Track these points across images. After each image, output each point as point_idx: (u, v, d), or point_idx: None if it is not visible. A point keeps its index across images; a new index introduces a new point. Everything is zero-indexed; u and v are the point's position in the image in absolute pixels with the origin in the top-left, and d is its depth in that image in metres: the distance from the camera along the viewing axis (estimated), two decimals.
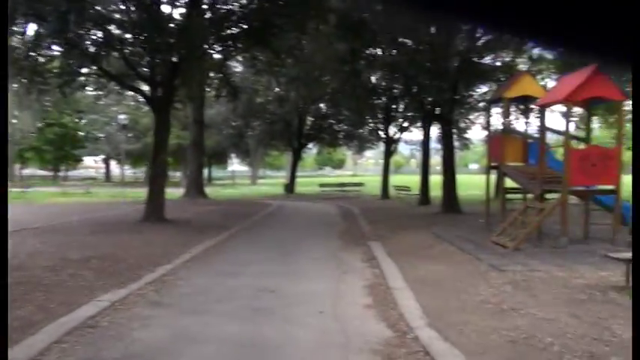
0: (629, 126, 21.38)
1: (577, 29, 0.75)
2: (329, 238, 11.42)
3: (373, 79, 19.03)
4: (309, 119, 31.49)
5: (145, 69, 13.25)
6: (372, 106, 20.13)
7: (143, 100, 16.04)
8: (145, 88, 14.11)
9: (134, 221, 13.42)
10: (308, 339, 4.53)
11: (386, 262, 8.03)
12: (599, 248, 8.54)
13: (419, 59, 12.19)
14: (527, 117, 14.16)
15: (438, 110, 15.77)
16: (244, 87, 21.98)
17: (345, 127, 28.77)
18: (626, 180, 10.12)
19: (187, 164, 28.49)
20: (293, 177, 32.56)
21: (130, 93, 18.91)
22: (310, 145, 37.25)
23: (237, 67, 23.78)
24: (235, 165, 62.80)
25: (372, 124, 25.96)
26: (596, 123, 19.89)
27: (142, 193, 16.91)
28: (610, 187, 9.00)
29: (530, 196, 10.69)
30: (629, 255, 5.83)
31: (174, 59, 11.99)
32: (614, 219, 9.06)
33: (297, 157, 32.90)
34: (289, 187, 31.85)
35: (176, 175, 50.28)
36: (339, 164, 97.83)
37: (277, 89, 28.45)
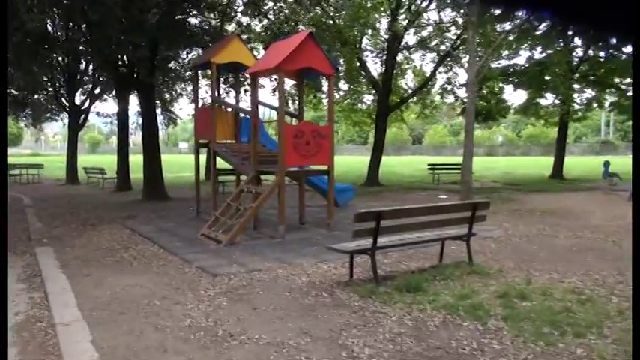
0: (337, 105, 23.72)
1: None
2: None
3: (50, 26, 15.72)
4: None
5: None
6: (45, 64, 16.69)
7: None
8: None
9: None
10: None
11: (56, 280, 6.10)
12: (316, 235, 8.62)
13: (106, 2, 10.19)
14: (238, 90, 13.74)
15: (135, 74, 13.99)
16: None
17: (14, 90, 23.51)
18: (337, 160, 10.67)
19: None
20: None
21: None
22: None
23: None
24: None
25: (50, 89, 21.93)
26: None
27: None
28: (323, 167, 9.10)
29: (244, 178, 10.22)
30: (352, 245, 5.62)
31: None
32: (329, 202, 9.26)
33: None
34: None
35: None
36: (15, 140, 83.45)
37: None
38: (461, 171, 12.50)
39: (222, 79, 17.16)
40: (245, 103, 16.53)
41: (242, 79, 13.98)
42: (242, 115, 10.97)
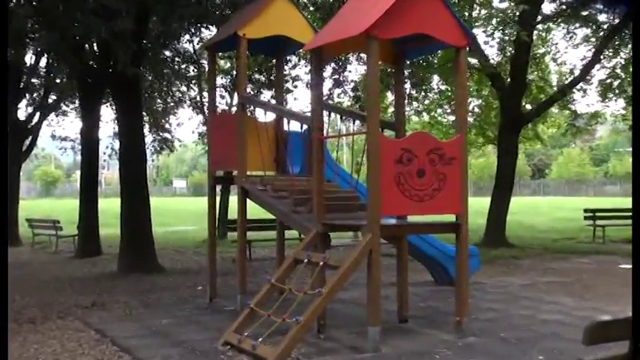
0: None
1: None
2: None
3: None
4: None
5: None
6: None
7: None
8: None
9: None
10: None
11: None
12: (439, 344, 7.45)
13: None
14: (279, 90, 12.43)
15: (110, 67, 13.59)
16: None
17: None
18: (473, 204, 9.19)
19: None
20: None
21: None
22: None
23: None
24: None
25: None
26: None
27: None
28: (451, 216, 7.81)
29: (293, 232, 9.04)
30: None
31: None
32: (458, 283, 7.69)
33: None
34: None
35: None
36: None
37: None
38: None
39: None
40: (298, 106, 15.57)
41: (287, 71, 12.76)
42: (291, 125, 9.74)
